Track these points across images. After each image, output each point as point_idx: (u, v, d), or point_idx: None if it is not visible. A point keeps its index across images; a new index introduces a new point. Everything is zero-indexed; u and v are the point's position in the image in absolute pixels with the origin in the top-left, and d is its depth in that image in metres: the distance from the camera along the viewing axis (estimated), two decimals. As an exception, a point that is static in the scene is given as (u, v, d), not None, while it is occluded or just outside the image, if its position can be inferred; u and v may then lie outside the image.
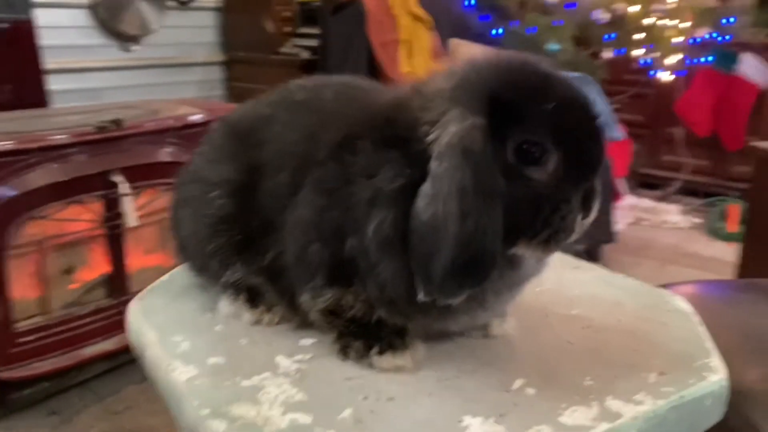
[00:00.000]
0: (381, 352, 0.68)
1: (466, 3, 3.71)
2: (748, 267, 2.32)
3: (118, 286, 2.21)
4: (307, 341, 0.73)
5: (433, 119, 0.63)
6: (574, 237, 0.64)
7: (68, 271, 2.19)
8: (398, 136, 0.64)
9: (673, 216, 3.80)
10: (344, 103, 0.73)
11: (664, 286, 1.36)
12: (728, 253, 3.12)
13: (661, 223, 3.75)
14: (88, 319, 2.16)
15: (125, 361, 2.30)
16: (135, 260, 2.27)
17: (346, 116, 0.70)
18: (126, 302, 2.15)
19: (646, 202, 3.96)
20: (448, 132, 0.61)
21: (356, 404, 0.62)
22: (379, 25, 3.06)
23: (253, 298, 0.77)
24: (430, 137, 0.62)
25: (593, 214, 0.65)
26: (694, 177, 4.07)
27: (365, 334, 0.69)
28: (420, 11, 3.32)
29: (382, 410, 0.61)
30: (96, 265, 2.24)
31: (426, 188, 0.60)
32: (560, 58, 3.20)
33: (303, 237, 0.67)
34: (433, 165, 0.61)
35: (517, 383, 0.66)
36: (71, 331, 2.12)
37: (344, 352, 0.70)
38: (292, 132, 0.72)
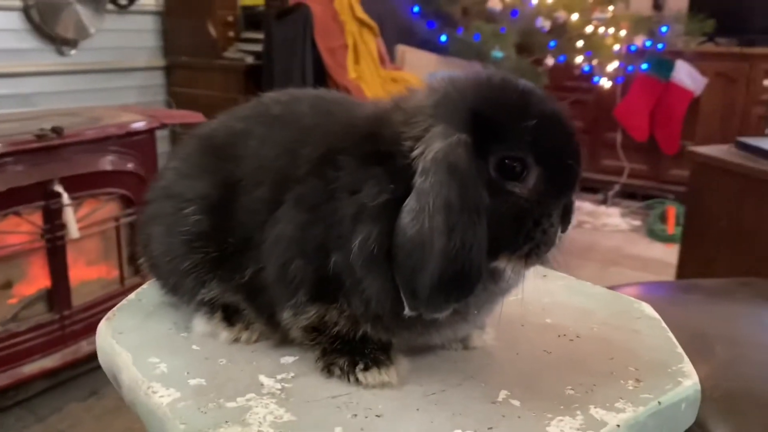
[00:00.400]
0: (366, 369, 0.67)
1: (412, 10, 3.74)
2: (686, 267, 2.43)
3: (59, 300, 2.13)
4: (288, 359, 0.72)
5: (417, 135, 0.63)
6: (552, 250, 0.65)
7: (5, 285, 2.11)
8: (381, 152, 0.64)
9: (613, 219, 3.92)
10: (322, 117, 0.72)
11: (610, 288, 1.41)
12: (668, 254, 3.24)
13: (602, 225, 3.86)
14: (26, 336, 2.08)
15: (67, 378, 2.23)
16: (76, 273, 2.19)
17: (325, 131, 0.69)
18: (67, 317, 2.08)
19: (587, 206, 4.08)
20: (433, 148, 0.61)
21: (345, 423, 0.61)
22: (327, 30, 3.05)
23: (229, 316, 0.75)
24: (414, 153, 0.62)
25: (571, 227, 0.66)
26: (633, 180, 4.23)
27: (349, 351, 0.68)
28: (365, 17, 3.33)
29: (372, 428, 0.61)
30: (35, 279, 2.16)
31: (411, 203, 0.60)
32: (503, 65, 3.26)
33: (285, 253, 0.66)
34: (418, 180, 0.61)
35: (502, 395, 0.67)
36: (9, 349, 2.04)
37: (329, 370, 0.68)
38: (270, 147, 0.71)
